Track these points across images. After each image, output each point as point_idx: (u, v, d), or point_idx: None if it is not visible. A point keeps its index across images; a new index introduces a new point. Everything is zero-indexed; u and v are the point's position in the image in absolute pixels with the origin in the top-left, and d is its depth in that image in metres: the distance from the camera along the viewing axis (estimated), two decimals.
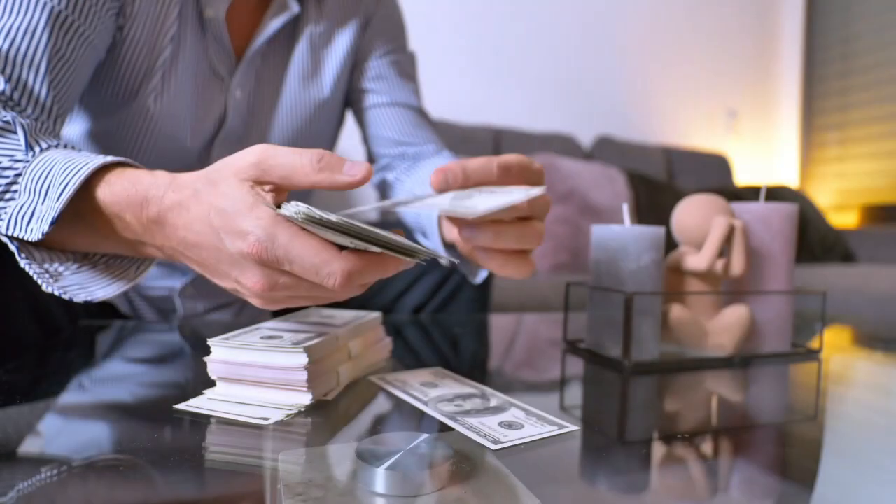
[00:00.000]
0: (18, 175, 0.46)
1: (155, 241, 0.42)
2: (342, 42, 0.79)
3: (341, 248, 0.36)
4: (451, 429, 0.36)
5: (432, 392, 0.44)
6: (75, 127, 0.70)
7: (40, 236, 0.43)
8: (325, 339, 0.42)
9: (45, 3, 0.54)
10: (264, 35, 0.71)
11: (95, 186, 0.43)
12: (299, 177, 0.36)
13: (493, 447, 0.33)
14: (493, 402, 0.42)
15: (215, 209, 0.37)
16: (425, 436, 0.30)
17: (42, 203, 0.44)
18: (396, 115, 0.82)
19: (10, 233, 0.45)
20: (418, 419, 0.39)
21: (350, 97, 0.84)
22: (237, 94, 0.73)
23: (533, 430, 0.37)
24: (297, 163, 0.36)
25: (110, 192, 0.42)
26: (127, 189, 0.42)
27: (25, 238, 0.44)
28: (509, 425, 0.37)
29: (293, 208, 0.35)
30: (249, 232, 0.35)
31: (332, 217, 0.34)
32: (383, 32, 0.83)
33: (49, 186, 0.43)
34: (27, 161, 0.46)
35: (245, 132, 0.75)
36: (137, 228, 0.42)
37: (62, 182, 0.42)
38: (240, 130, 0.74)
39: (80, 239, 0.47)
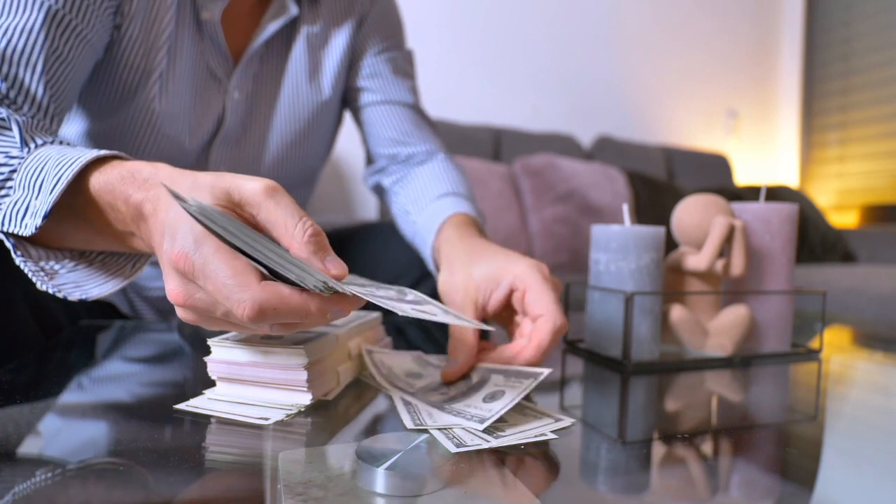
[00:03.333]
0: (13, 171, 0.46)
1: (140, 232, 0.42)
2: (339, 42, 0.79)
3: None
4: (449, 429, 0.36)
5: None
6: (74, 127, 0.70)
7: (34, 230, 0.43)
8: (324, 339, 0.42)
9: (42, 2, 0.54)
10: (262, 37, 0.71)
11: (89, 178, 0.42)
12: (282, 236, 0.35)
13: (490, 440, 0.33)
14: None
15: (175, 210, 0.35)
16: (425, 436, 0.30)
17: (36, 198, 0.43)
18: (390, 113, 0.82)
19: (5, 229, 0.44)
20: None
21: (346, 96, 0.84)
22: (235, 96, 0.72)
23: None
24: (289, 223, 0.34)
25: (105, 180, 0.42)
26: (124, 177, 0.41)
27: (20, 233, 0.44)
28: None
29: (194, 203, 0.32)
30: (181, 237, 0.34)
31: (220, 217, 0.32)
32: (378, 30, 0.82)
33: (43, 181, 0.43)
34: (22, 157, 0.46)
35: (243, 133, 0.75)
36: (127, 217, 0.42)
37: (55, 175, 0.42)
38: (238, 132, 0.74)
39: (76, 234, 0.47)
